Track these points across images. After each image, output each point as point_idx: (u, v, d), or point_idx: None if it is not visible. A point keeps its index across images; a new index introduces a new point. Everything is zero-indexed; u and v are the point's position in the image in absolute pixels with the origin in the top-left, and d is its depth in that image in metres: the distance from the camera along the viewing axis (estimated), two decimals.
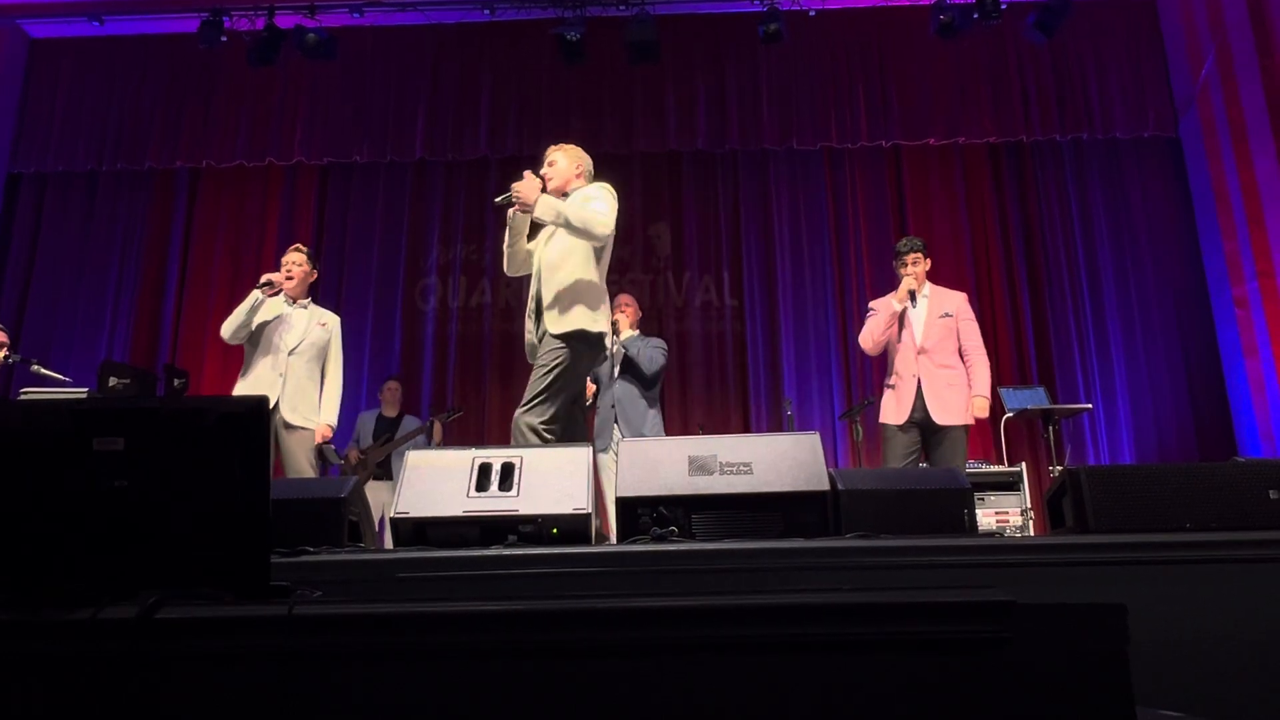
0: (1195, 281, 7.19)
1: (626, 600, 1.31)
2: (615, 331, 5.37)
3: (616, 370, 5.25)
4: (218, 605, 1.36)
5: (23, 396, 4.33)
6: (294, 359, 4.57)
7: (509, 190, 3.70)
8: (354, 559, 2.20)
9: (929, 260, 4.76)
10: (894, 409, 4.58)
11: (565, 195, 3.84)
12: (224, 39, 7.15)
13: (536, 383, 3.54)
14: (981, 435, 7.03)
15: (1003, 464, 5.87)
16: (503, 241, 3.88)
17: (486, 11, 7.49)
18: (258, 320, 4.58)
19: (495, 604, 1.30)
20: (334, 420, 4.74)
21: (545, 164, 3.95)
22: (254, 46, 7.06)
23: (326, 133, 7.59)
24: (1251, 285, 6.56)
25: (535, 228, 3.87)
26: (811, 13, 7.41)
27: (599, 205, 3.70)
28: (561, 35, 6.92)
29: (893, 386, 4.65)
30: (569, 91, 7.55)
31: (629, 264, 7.63)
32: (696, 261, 7.61)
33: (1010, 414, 5.79)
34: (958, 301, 4.73)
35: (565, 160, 3.95)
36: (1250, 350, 6.58)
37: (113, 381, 4.63)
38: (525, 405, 3.52)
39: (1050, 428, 5.86)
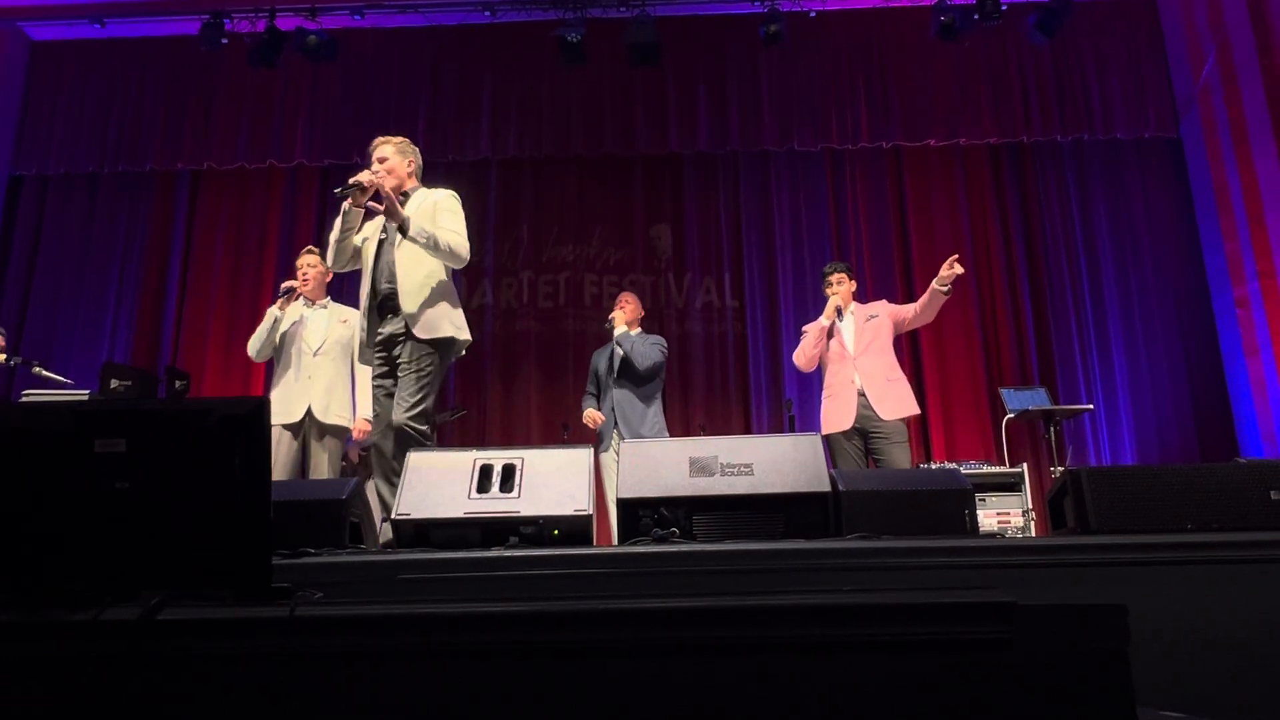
0: (1196, 281, 7.19)
1: (628, 601, 1.31)
2: (610, 328, 5.38)
3: (615, 373, 5.25)
4: (219, 606, 1.36)
5: (24, 398, 4.33)
6: (320, 359, 4.57)
7: (351, 183, 3.57)
8: (355, 560, 2.20)
9: (854, 281, 5.11)
10: (835, 418, 4.81)
11: (405, 196, 3.75)
12: (225, 41, 7.14)
13: (415, 390, 3.51)
14: (982, 436, 7.04)
15: (1004, 465, 5.87)
16: (333, 233, 3.73)
17: (487, 13, 7.49)
18: (280, 330, 4.61)
19: (497, 605, 1.30)
20: (370, 414, 4.70)
21: (374, 160, 3.74)
22: (255, 48, 7.06)
23: (327, 134, 7.59)
24: (1253, 285, 6.56)
25: (365, 217, 3.76)
26: (812, 14, 7.40)
27: (458, 226, 3.68)
28: (562, 37, 6.92)
29: (830, 397, 4.89)
30: (570, 93, 7.55)
31: (630, 265, 7.63)
32: (697, 263, 7.61)
33: (1011, 415, 5.79)
34: (879, 306, 5.06)
35: (398, 157, 3.77)
36: (1251, 350, 6.58)
37: (114, 383, 4.63)
38: (408, 411, 3.49)
39: (1051, 428, 5.86)
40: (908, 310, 4.97)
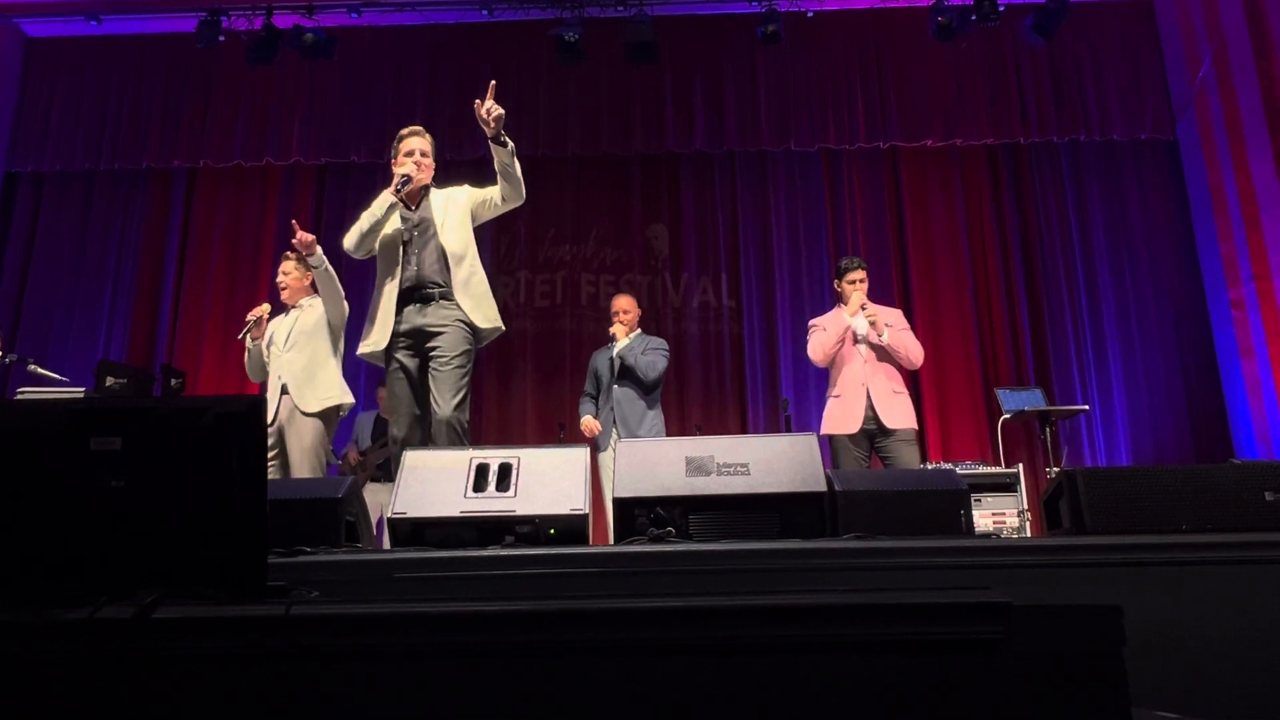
0: (1192, 283, 7.20)
1: (623, 601, 1.31)
2: (612, 341, 5.37)
3: (616, 375, 5.24)
4: (215, 605, 1.36)
5: (20, 396, 4.33)
6: (290, 354, 4.48)
7: (403, 178, 3.72)
8: (351, 559, 2.20)
9: (869, 278, 5.00)
10: (842, 419, 4.71)
11: (427, 189, 3.88)
12: (222, 39, 7.14)
13: (460, 381, 3.60)
14: (978, 436, 7.05)
15: (999, 465, 5.87)
16: (364, 220, 3.79)
17: (485, 12, 7.49)
18: (262, 351, 4.59)
19: (492, 604, 1.30)
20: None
21: (412, 153, 3.82)
22: (252, 46, 7.05)
23: (324, 133, 7.58)
24: (1248, 287, 6.57)
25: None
26: (810, 14, 7.41)
27: None
28: (560, 36, 6.92)
29: (838, 396, 4.79)
30: (567, 92, 7.55)
31: (627, 265, 7.63)
32: (694, 262, 7.61)
33: (1007, 415, 5.79)
34: (895, 315, 4.97)
35: (431, 154, 3.90)
36: (1247, 352, 6.59)
37: (110, 381, 4.64)
38: (454, 404, 3.56)
39: (1047, 429, 5.86)
40: (900, 348, 4.81)
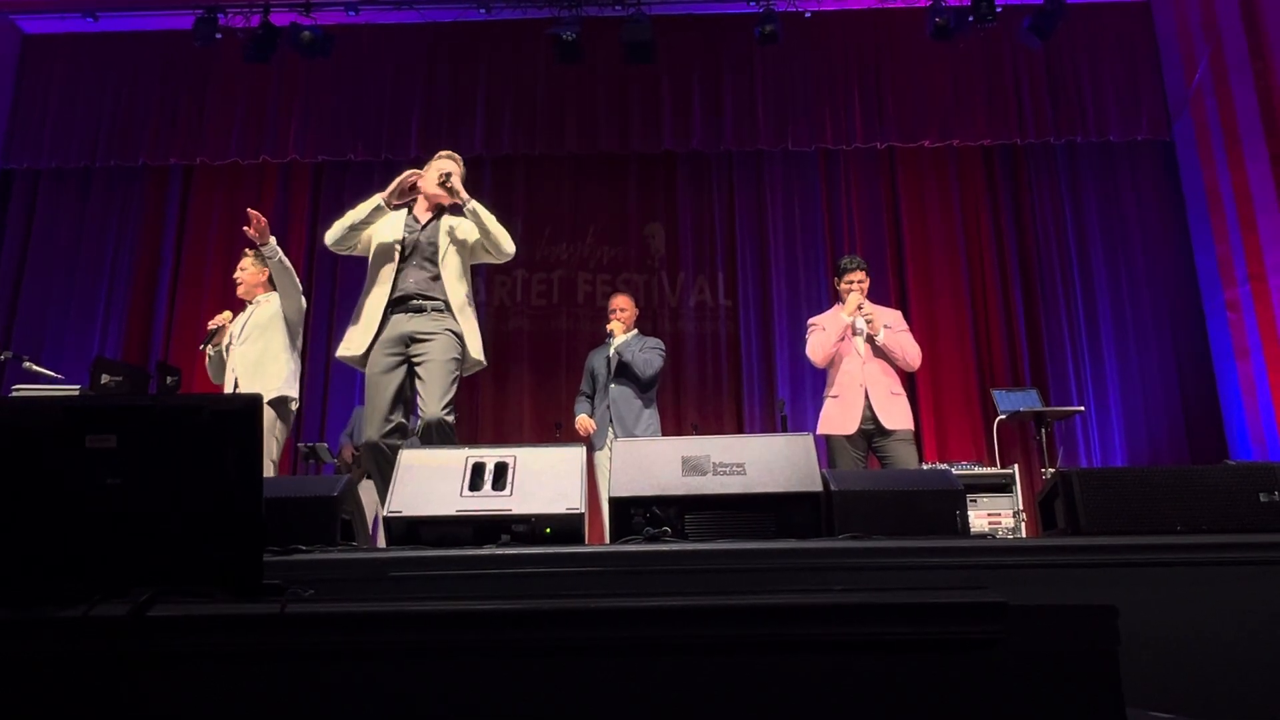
0: (1187, 284, 7.22)
1: (619, 600, 1.32)
2: (609, 338, 5.37)
3: (612, 373, 5.24)
4: (210, 603, 1.36)
5: (14, 393, 4.31)
6: (243, 347, 4.44)
7: (446, 174, 3.78)
8: (346, 558, 2.20)
9: (869, 278, 4.94)
10: (840, 419, 4.68)
11: (441, 209, 3.93)
12: (218, 36, 7.13)
13: (450, 385, 3.60)
14: (974, 437, 7.05)
15: (995, 466, 5.88)
16: (352, 216, 3.79)
17: (482, 10, 7.49)
18: (222, 356, 4.57)
19: (488, 603, 1.30)
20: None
21: (441, 170, 3.86)
22: (249, 44, 7.04)
23: (321, 131, 7.57)
24: (1243, 288, 6.58)
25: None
26: (807, 14, 7.41)
27: None
28: (557, 35, 6.91)
29: (836, 397, 4.76)
30: (564, 91, 7.55)
31: (623, 264, 7.63)
32: (691, 262, 7.61)
33: (1003, 416, 5.80)
34: (894, 316, 4.95)
35: (461, 175, 3.93)
36: (1242, 353, 6.61)
37: (105, 379, 4.62)
38: (443, 404, 3.54)
39: (1042, 430, 5.87)
40: (897, 350, 4.77)
